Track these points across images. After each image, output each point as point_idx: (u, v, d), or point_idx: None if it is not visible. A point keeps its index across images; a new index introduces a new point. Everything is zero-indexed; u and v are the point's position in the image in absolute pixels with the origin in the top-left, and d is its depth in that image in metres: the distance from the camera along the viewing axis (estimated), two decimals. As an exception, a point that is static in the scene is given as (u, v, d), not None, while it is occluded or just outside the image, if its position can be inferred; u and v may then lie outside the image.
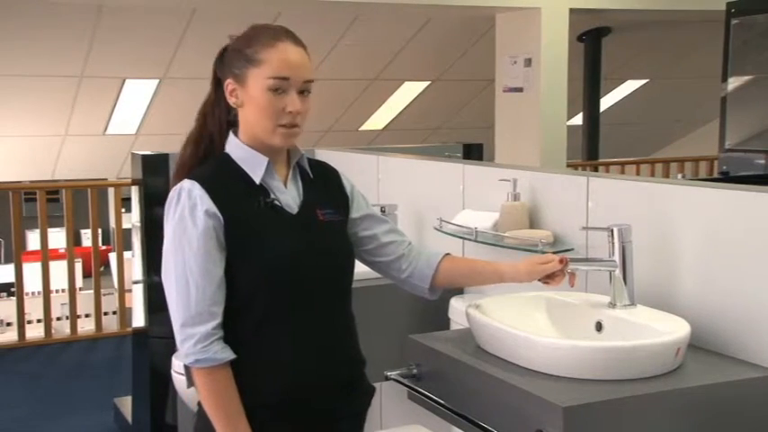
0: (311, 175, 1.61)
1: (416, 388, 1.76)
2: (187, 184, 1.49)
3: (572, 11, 5.29)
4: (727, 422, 1.52)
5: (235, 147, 1.55)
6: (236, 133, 1.56)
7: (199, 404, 1.54)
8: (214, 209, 1.47)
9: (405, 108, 8.24)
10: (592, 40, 6.95)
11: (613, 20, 6.56)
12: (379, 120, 8.38)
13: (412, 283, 1.72)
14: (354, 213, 1.67)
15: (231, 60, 1.53)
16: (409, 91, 7.96)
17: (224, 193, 1.49)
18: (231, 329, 1.48)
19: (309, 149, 3.51)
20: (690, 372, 1.55)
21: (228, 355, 1.46)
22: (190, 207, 1.47)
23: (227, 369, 1.46)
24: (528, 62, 5.28)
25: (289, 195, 1.56)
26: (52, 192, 5.91)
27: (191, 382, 1.49)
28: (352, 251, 1.63)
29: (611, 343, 1.56)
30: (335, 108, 7.79)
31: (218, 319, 1.46)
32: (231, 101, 1.53)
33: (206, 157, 1.57)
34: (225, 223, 1.48)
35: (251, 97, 1.50)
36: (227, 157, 1.55)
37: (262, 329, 1.50)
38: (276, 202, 1.53)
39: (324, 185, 1.63)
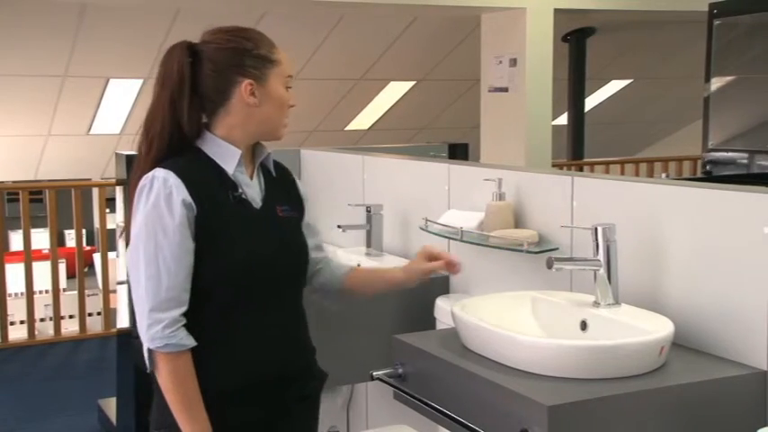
0: (273, 174, 1.69)
1: (402, 388, 1.76)
2: (161, 172, 1.53)
3: (557, 11, 5.31)
4: (710, 420, 1.53)
5: (209, 142, 1.60)
6: (210, 130, 1.60)
7: (156, 395, 1.57)
8: (189, 199, 1.52)
9: (390, 108, 8.24)
10: (576, 40, 6.98)
11: (598, 20, 6.60)
12: (364, 120, 8.38)
13: (321, 294, 1.81)
14: (304, 218, 1.75)
15: (239, 62, 1.56)
16: (395, 91, 7.96)
17: (198, 184, 1.54)
18: (193, 318, 1.52)
19: (295, 149, 3.50)
20: (674, 370, 1.56)
21: (192, 342, 1.51)
22: (165, 195, 1.51)
23: (189, 355, 1.51)
24: (513, 62, 5.30)
25: (254, 189, 1.63)
26: (35, 192, 5.87)
27: (152, 366, 1.53)
28: (308, 247, 1.71)
29: (595, 342, 1.56)
30: (321, 108, 7.78)
31: (186, 306, 1.51)
32: (249, 100, 1.57)
33: (171, 154, 1.57)
34: (197, 213, 1.53)
35: (270, 95, 1.59)
36: (198, 149, 1.60)
37: (224, 319, 1.56)
38: (243, 197, 1.59)
39: (282, 184, 1.71)
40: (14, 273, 5.08)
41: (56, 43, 5.98)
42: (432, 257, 1.79)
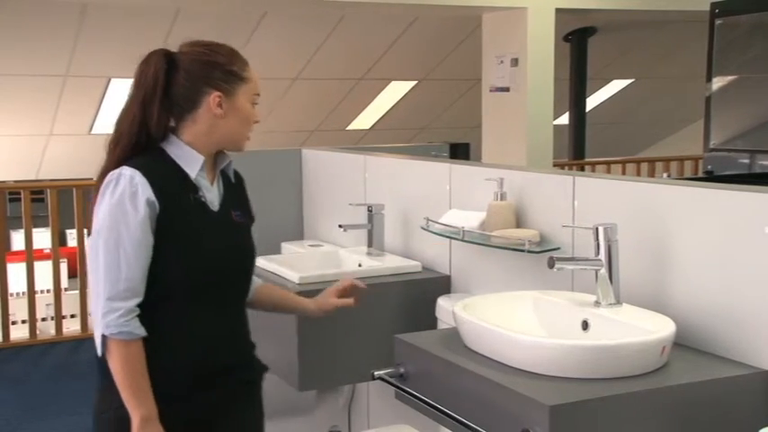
0: (232, 181, 1.80)
1: (404, 387, 1.76)
2: (128, 170, 1.63)
3: (558, 11, 5.31)
4: (712, 420, 1.53)
5: (174, 145, 1.69)
6: (176, 134, 1.70)
7: (104, 380, 1.66)
8: (153, 198, 1.62)
9: (391, 108, 8.24)
10: (578, 39, 6.98)
11: (599, 20, 6.60)
12: (365, 119, 8.38)
13: None
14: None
15: (211, 76, 1.68)
16: (396, 90, 7.96)
17: (162, 184, 1.64)
18: (148, 310, 1.62)
19: (296, 149, 3.50)
20: (675, 370, 1.56)
21: (143, 332, 1.62)
22: (131, 193, 1.61)
23: (140, 343, 1.62)
24: (514, 62, 5.29)
25: (213, 194, 1.73)
26: (37, 192, 5.87)
27: (104, 350, 1.62)
28: (255, 251, 1.82)
29: (596, 342, 1.56)
30: (322, 108, 7.79)
31: (141, 298, 1.62)
32: (216, 111, 1.68)
33: (133, 156, 1.66)
34: (160, 212, 1.63)
35: (237, 109, 1.70)
36: (162, 151, 1.69)
37: (176, 313, 1.67)
38: (203, 200, 1.70)
39: (237, 191, 1.82)
40: (16, 272, 5.08)
41: (57, 43, 5.99)
42: (343, 294, 1.97)
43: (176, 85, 1.67)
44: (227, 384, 1.74)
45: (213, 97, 1.67)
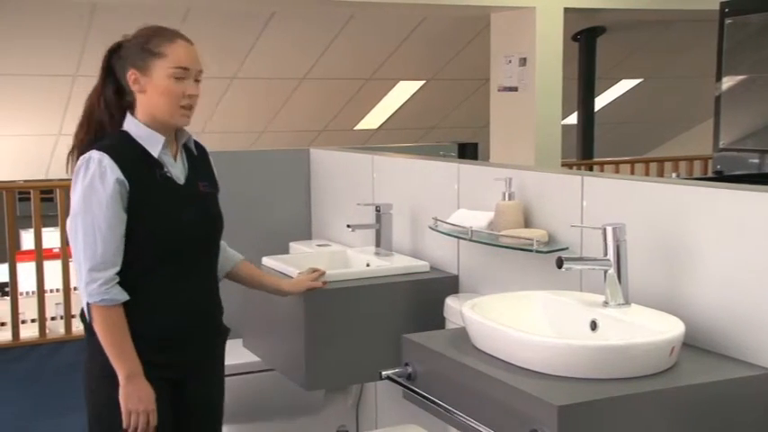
0: (195, 153, 1.93)
1: (412, 387, 1.76)
2: (96, 154, 1.78)
3: (567, 10, 5.30)
4: (721, 421, 1.53)
5: (133, 126, 1.84)
6: (133, 114, 1.85)
7: (89, 342, 1.82)
8: (122, 177, 1.77)
9: (400, 107, 8.24)
10: (586, 39, 6.96)
11: (608, 19, 6.58)
12: (373, 119, 8.38)
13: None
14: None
15: (132, 54, 1.82)
16: (404, 90, 7.96)
17: (129, 165, 1.79)
18: (127, 278, 1.78)
19: (304, 149, 3.50)
20: (684, 371, 1.56)
21: (125, 296, 1.78)
22: (100, 174, 1.76)
23: (122, 308, 1.78)
24: (523, 61, 5.29)
25: (177, 168, 1.87)
26: (46, 191, 5.89)
27: (90, 317, 1.80)
28: (223, 219, 1.96)
29: (605, 342, 1.56)
30: (330, 107, 7.79)
31: (119, 267, 1.78)
32: (134, 88, 1.82)
33: (97, 138, 1.84)
34: (130, 190, 1.78)
35: (155, 84, 1.81)
36: (126, 133, 1.84)
37: (150, 278, 1.82)
38: (168, 175, 1.84)
39: (202, 162, 1.95)
40: (26, 271, 5.10)
41: (66, 43, 6.01)
42: (313, 277, 2.24)
43: (118, 72, 1.84)
44: (199, 345, 1.90)
45: (129, 75, 1.81)
